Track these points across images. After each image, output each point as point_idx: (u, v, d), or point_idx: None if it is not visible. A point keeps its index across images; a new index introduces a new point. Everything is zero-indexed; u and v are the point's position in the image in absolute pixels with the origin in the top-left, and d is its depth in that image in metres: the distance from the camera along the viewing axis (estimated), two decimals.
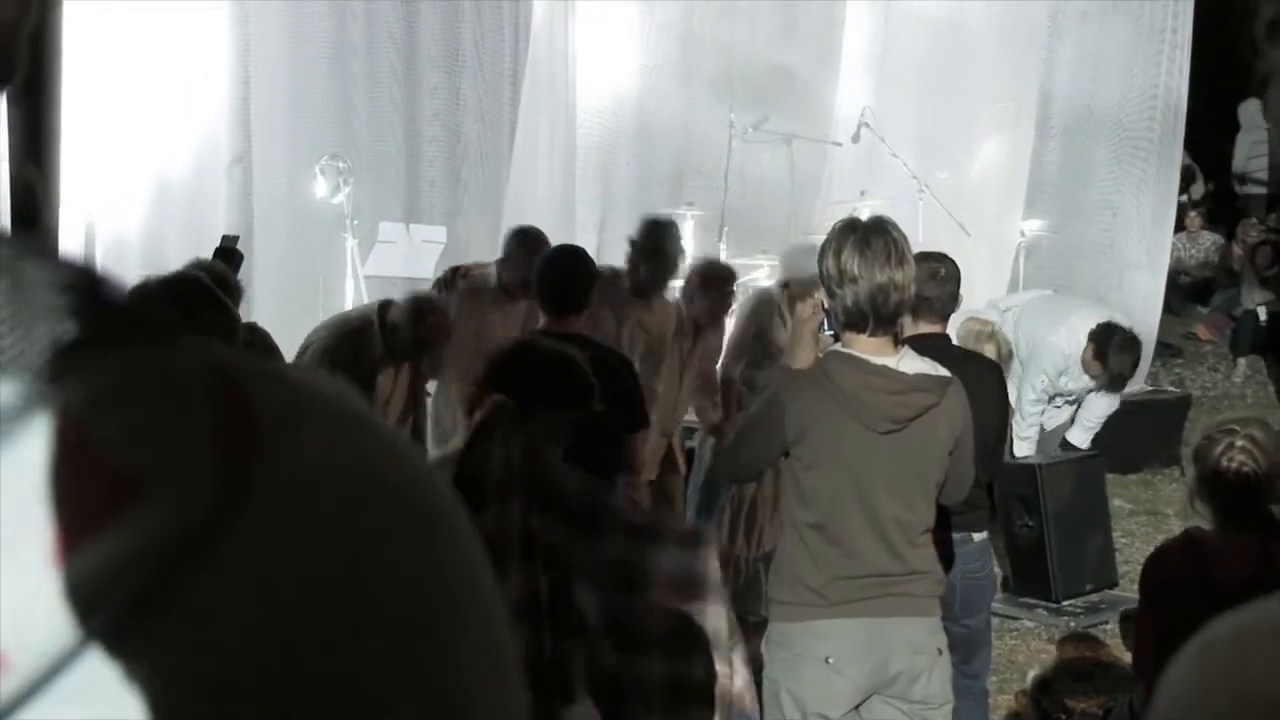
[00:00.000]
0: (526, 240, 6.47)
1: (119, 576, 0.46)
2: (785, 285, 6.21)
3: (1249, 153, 15.66)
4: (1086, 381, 8.23)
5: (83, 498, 0.47)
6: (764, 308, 7.05)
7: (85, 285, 0.52)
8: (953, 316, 5.22)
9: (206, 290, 4.29)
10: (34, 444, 0.47)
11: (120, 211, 7.99)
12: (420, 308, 5.82)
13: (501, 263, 6.52)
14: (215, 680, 0.47)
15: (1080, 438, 8.60)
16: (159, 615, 0.47)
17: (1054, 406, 8.50)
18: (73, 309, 0.51)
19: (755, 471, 4.30)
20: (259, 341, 5.11)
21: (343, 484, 0.51)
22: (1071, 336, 8.21)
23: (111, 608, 0.46)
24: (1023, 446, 8.10)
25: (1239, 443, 3.61)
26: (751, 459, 3.94)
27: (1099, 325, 8.17)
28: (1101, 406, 8.57)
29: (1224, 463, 3.60)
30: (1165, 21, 11.38)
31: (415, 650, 0.51)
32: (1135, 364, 8.51)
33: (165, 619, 0.47)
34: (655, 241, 6.53)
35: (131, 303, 0.53)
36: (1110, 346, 8.05)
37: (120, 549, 0.46)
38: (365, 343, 5.62)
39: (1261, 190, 15.57)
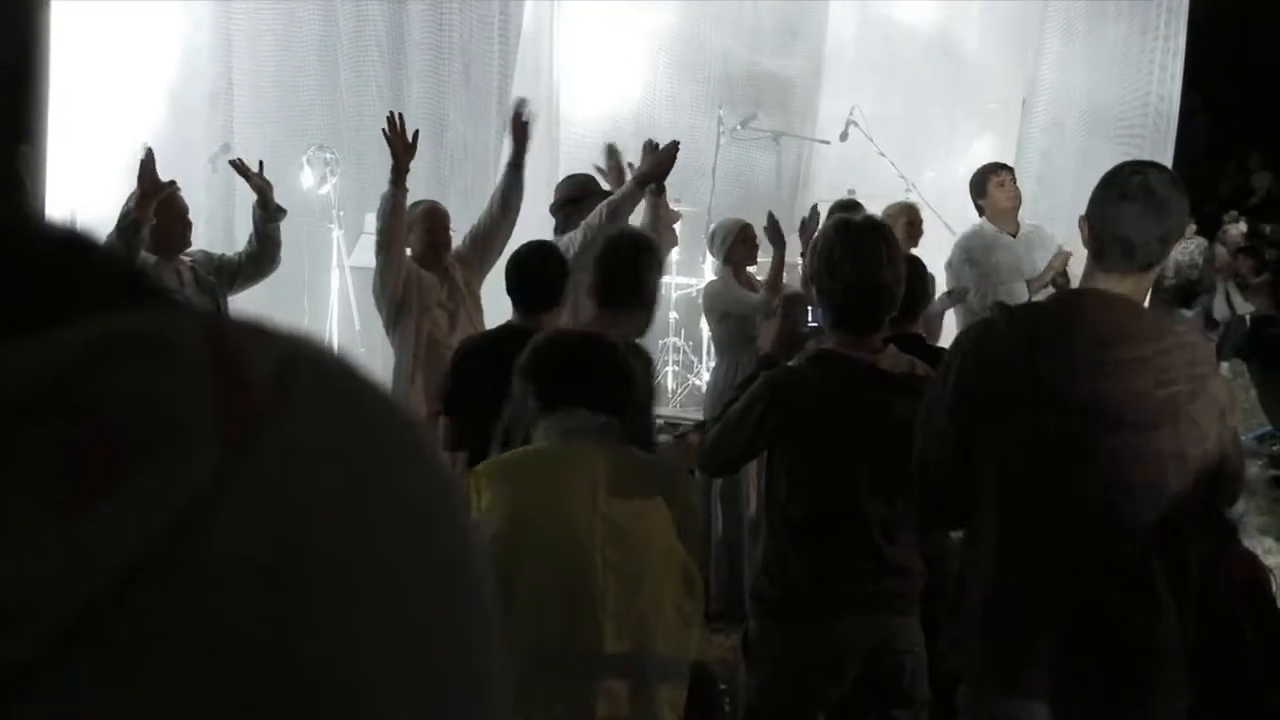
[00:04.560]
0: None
1: (122, 539, 0.46)
2: None
3: None
4: None
5: (86, 461, 0.47)
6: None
7: (83, 249, 0.53)
8: None
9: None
10: (38, 407, 0.47)
11: (100, 198, 7.97)
12: None
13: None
14: (221, 644, 0.47)
15: None
16: (160, 579, 0.47)
17: None
18: (71, 272, 0.52)
19: (733, 467, 4.30)
20: None
21: (339, 446, 0.52)
22: None
23: (113, 571, 0.46)
24: None
25: None
26: (731, 455, 3.90)
27: None
28: None
29: None
30: (1158, 25, 11.39)
31: (416, 616, 0.52)
32: None
33: (168, 583, 0.47)
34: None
35: (130, 269, 0.54)
36: None
37: (123, 512, 0.46)
38: None
39: None
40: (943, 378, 3.21)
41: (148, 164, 5.95)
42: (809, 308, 3.95)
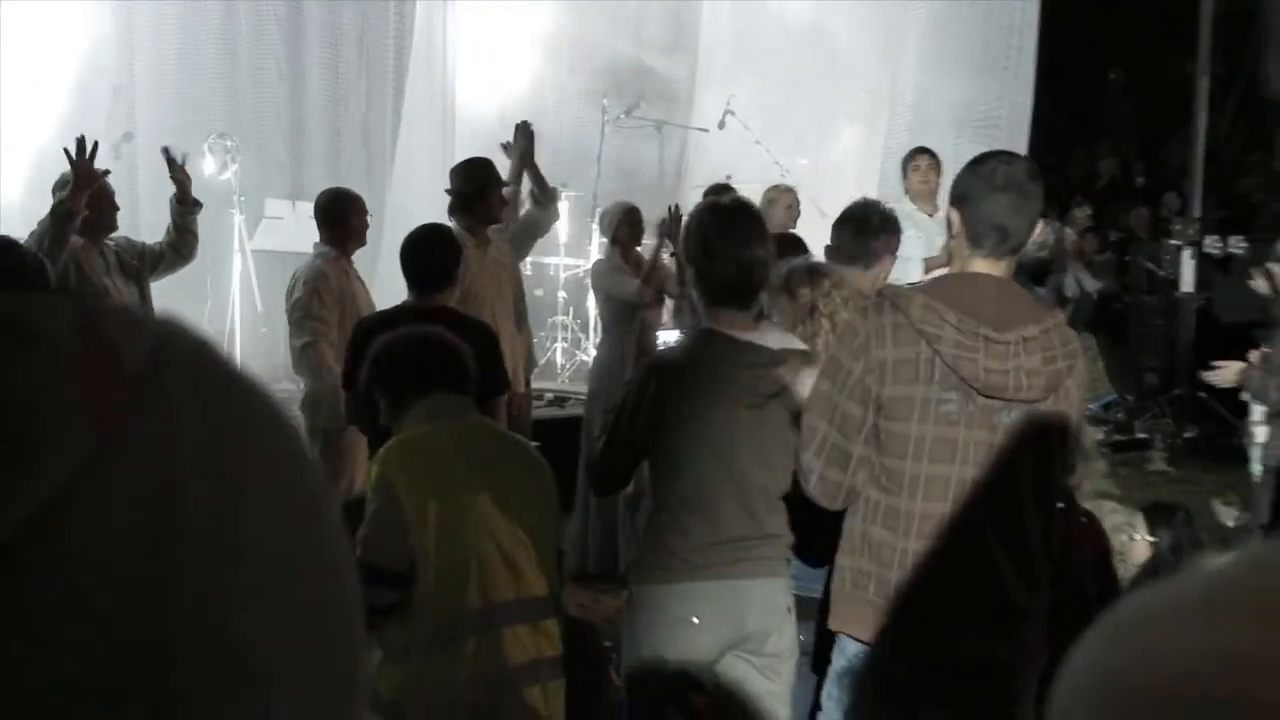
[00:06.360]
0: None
1: None
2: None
3: None
4: None
5: None
6: None
7: None
8: None
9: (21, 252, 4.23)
10: None
11: (6, 187, 7.80)
12: None
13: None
14: (92, 619, 0.47)
15: None
16: (26, 564, 0.46)
17: None
18: None
19: (627, 476, 3.99)
20: None
21: (207, 430, 0.51)
22: None
23: None
24: None
25: None
26: (624, 454, 3.77)
27: None
28: None
29: None
30: (1011, 29, 11.64)
31: (279, 594, 0.52)
32: None
33: (35, 567, 0.46)
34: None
35: (16, 261, 0.53)
36: None
37: None
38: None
39: None
40: (845, 359, 3.25)
41: (83, 153, 5.75)
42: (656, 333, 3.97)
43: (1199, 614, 0.42)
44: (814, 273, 4.38)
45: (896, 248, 5.01)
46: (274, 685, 0.51)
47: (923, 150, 8.36)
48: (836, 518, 3.36)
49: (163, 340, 0.52)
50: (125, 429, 0.48)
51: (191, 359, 0.53)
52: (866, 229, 4.83)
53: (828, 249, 4.98)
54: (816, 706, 3.53)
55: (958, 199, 3.27)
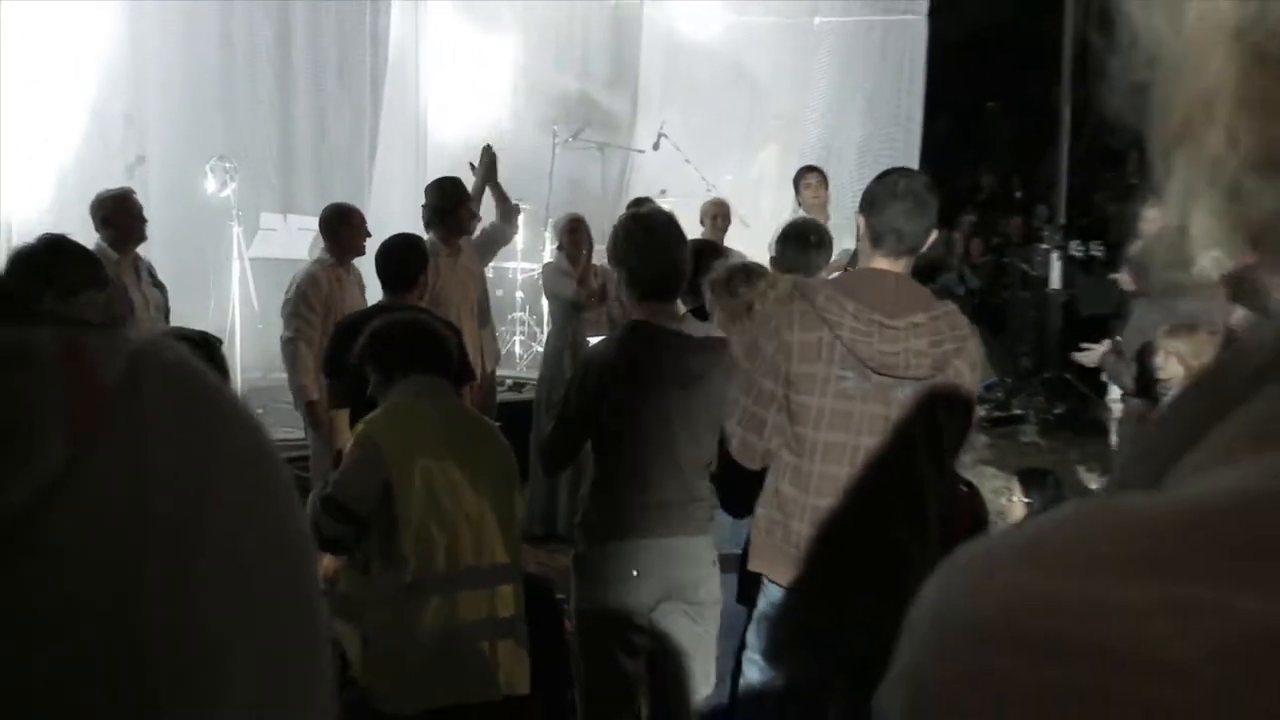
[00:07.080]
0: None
1: None
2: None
3: None
4: None
5: None
6: None
7: None
8: None
9: (75, 246, 4.18)
10: None
11: (28, 207, 7.71)
12: None
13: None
14: (63, 614, 0.45)
15: None
16: (7, 557, 0.45)
17: None
18: None
19: (573, 454, 3.92)
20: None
21: (181, 440, 0.49)
22: None
23: None
24: None
25: None
26: (572, 439, 3.77)
27: None
28: None
29: None
30: (904, 59, 11.74)
31: (244, 591, 0.50)
32: None
33: (14, 560, 0.45)
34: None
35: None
36: None
37: None
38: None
39: None
40: (761, 342, 3.32)
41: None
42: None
43: (1021, 560, 0.42)
44: (751, 274, 4.42)
45: (829, 259, 5.10)
46: (242, 677, 0.49)
47: (812, 168, 8.30)
48: (757, 477, 3.44)
49: (142, 359, 0.50)
50: (101, 442, 0.47)
51: (169, 376, 0.51)
52: (805, 245, 4.96)
53: (772, 260, 5.05)
54: (743, 645, 3.58)
55: (865, 205, 3.35)
